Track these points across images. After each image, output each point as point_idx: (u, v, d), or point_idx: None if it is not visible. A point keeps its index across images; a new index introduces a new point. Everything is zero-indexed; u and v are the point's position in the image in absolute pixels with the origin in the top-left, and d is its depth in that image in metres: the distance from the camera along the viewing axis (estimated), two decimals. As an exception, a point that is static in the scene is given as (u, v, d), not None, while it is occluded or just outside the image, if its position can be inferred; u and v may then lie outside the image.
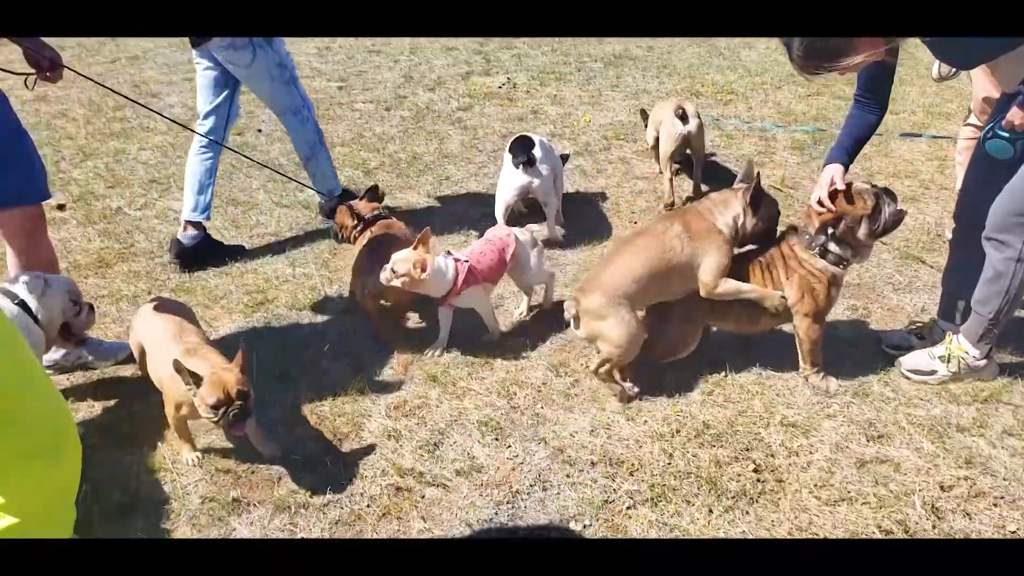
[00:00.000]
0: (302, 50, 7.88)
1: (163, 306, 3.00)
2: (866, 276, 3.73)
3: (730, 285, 2.94)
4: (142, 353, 2.91)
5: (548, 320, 3.53)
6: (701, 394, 3.03)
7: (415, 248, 3.15)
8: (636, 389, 3.03)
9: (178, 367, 2.51)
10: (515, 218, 4.24)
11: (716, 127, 5.55)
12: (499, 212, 4.07)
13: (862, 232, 2.90)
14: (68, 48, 8.06)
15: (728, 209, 3.00)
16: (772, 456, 2.73)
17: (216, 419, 2.53)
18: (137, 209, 4.73)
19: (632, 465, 2.71)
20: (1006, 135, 2.63)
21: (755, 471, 2.66)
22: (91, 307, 3.06)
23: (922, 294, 3.59)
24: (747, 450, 2.75)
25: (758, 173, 2.99)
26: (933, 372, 3.01)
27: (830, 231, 2.91)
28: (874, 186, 2.98)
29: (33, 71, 2.92)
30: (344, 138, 5.70)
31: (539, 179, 3.97)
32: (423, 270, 3.08)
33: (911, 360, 3.07)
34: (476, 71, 7.07)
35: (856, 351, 3.23)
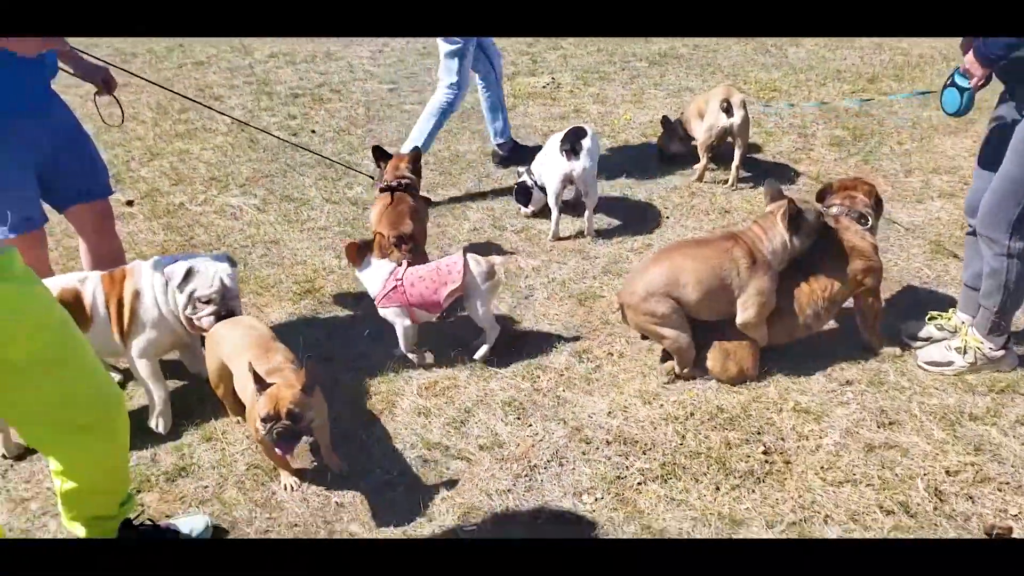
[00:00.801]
0: (356, 53, 8.17)
1: (244, 323, 2.97)
2: (894, 269, 3.77)
3: (762, 330, 3.09)
4: (222, 369, 2.89)
5: (575, 309, 3.67)
6: (716, 380, 3.13)
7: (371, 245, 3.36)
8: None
9: (255, 374, 2.49)
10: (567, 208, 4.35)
11: (762, 116, 5.61)
12: (552, 199, 4.23)
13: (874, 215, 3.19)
14: (140, 55, 8.53)
15: (774, 237, 3.06)
16: (782, 439, 2.82)
17: (263, 432, 2.49)
18: (198, 205, 5.04)
19: (645, 444, 2.84)
20: (964, 83, 2.73)
21: (764, 453, 2.76)
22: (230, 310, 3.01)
23: (949, 288, 3.62)
24: (758, 433, 2.86)
25: (789, 199, 3.06)
26: (950, 363, 3.07)
27: (864, 212, 3.08)
28: None
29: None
30: (392, 138, 5.92)
31: (583, 168, 4.10)
32: (352, 265, 3.35)
33: (927, 353, 3.13)
34: (522, 71, 7.23)
35: (887, 347, 3.28)
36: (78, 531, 2.37)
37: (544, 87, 6.78)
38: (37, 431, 2.12)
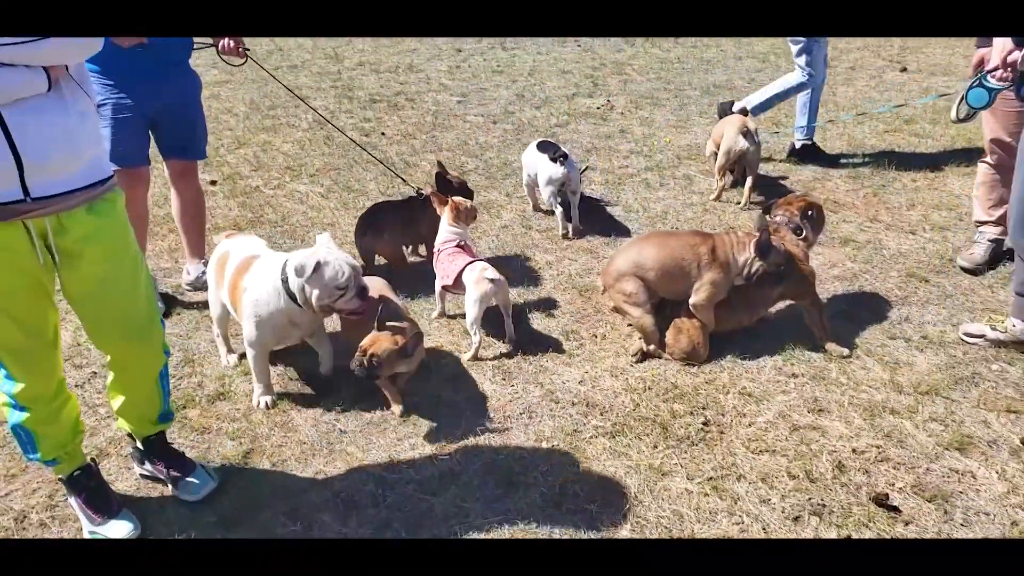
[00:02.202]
0: (435, 67, 8.90)
1: (372, 281, 3.54)
2: (868, 288, 4.14)
3: (709, 313, 3.61)
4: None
5: (575, 298, 4.18)
6: (678, 365, 3.59)
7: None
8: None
9: (380, 319, 3.24)
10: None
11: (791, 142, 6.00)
12: (547, 201, 4.91)
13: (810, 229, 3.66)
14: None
15: (743, 252, 3.57)
16: (722, 415, 3.26)
17: (354, 362, 3.21)
18: (271, 188, 5.77)
19: (603, 408, 3.33)
20: (992, 85, 3.46)
21: (704, 424, 3.21)
22: (362, 289, 3.23)
23: (914, 307, 3.97)
24: (703, 408, 3.30)
25: (767, 228, 3.57)
26: (983, 335, 3.59)
27: (809, 214, 3.54)
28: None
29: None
30: (451, 144, 6.56)
31: (572, 170, 4.81)
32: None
33: (968, 326, 3.67)
34: (582, 93, 7.79)
35: (837, 347, 3.67)
36: (126, 428, 2.96)
37: (598, 108, 7.31)
38: (104, 333, 2.66)
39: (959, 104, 4.33)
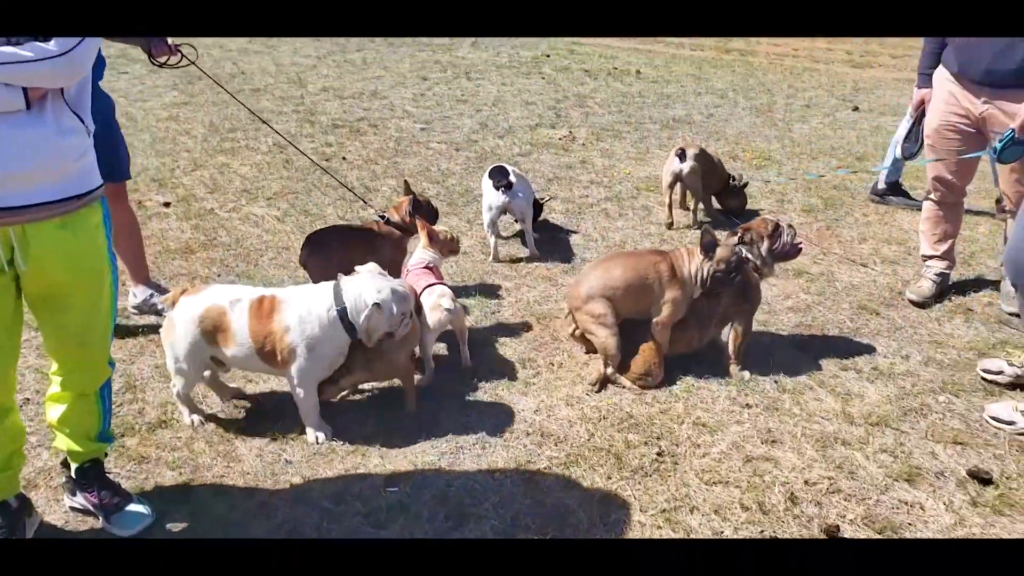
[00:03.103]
0: (400, 94, 8.90)
1: None
2: (820, 319, 4.19)
3: (667, 333, 3.68)
4: None
5: (533, 325, 4.16)
6: (634, 394, 3.58)
7: None
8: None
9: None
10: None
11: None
12: (486, 227, 4.97)
13: (764, 248, 3.65)
14: (204, 79, 9.36)
15: (693, 259, 3.67)
16: (676, 445, 3.25)
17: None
18: (227, 212, 5.68)
19: (558, 438, 3.29)
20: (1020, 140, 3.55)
21: (658, 454, 3.19)
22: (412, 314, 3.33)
23: (865, 339, 4.02)
24: (658, 438, 3.28)
25: (706, 229, 3.66)
26: (1012, 423, 3.32)
27: (747, 238, 3.67)
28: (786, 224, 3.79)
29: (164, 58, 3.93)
30: (413, 170, 6.54)
31: (515, 199, 4.85)
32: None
33: (994, 408, 3.41)
34: (544, 123, 7.85)
35: (788, 379, 3.69)
36: (63, 446, 2.84)
37: (560, 139, 7.36)
38: (58, 340, 2.61)
39: (903, 142, 4.46)
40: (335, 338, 3.15)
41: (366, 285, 3.15)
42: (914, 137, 4.46)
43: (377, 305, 3.09)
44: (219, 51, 10.99)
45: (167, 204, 5.77)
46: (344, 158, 6.82)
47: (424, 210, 4.31)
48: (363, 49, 11.30)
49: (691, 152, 5.28)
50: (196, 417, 3.42)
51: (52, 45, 2.17)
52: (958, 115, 4.04)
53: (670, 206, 5.41)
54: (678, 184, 5.43)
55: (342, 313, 3.11)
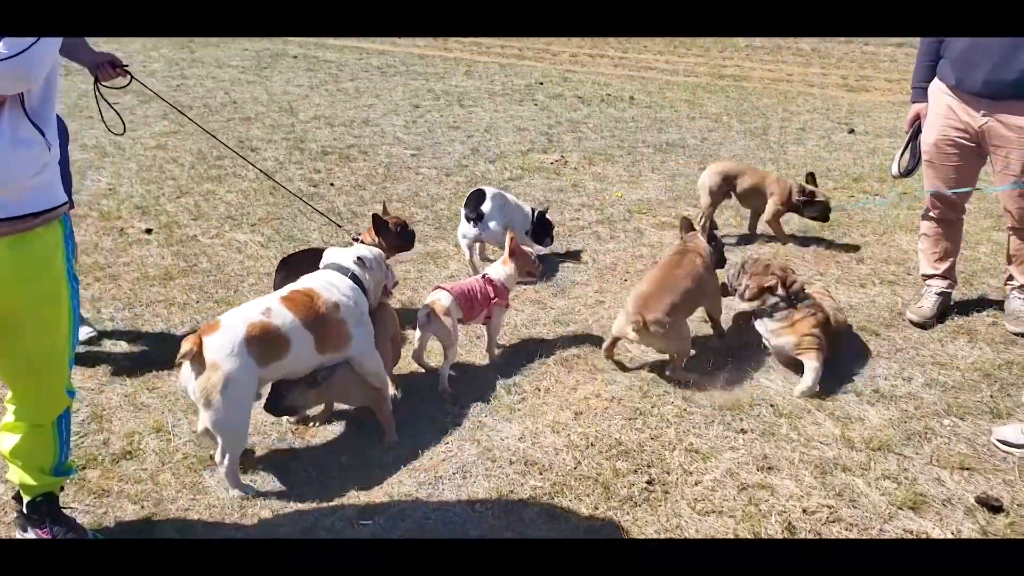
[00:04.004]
0: (391, 121, 8.83)
1: None
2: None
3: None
4: None
5: (520, 350, 4.00)
6: (624, 419, 3.41)
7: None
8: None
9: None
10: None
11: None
12: (464, 253, 5.00)
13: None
14: (195, 107, 9.33)
15: (702, 242, 4.06)
16: (668, 473, 3.07)
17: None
18: (209, 238, 5.55)
19: (543, 466, 3.12)
20: None
21: (648, 483, 3.01)
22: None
23: (864, 360, 3.86)
24: (648, 466, 3.11)
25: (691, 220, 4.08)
26: (1021, 446, 3.13)
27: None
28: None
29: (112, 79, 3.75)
30: (402, 195, 6.43)
31: (486, 230, 4.82)
32: None
33: (1002, 431, 3.22)
34: (536, 148, 7.75)
35: (785, 403, 3.52)
36: (16, 479, 2.68)
37: (552, 163, 7.26)
38: (9, 363, 2.45)
39: (900, 159, 4.33)
40: (362, 302, 3.28)
41: (343, 253, 3.39)
42: (911, 153, 4.33)
43: (360, 259, 3.33)
44: (212, 82, 10.97)
45: (149, 231, 5.65)
46: (332, 184, 6.71)
47: (391, 232, 4.07)
48: (356, 78, 11.27)
49: (710, 167, 5.38)
50: (249, 489, 3.03)
51: (1, 47, 2.02)
52: (957, 129, 3.92)
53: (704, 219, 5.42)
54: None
55: (355, 278, 3.26)
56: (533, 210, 5.09)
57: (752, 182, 5.33)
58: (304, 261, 4.02)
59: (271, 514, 2.90)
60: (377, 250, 3.53)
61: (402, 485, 3.03)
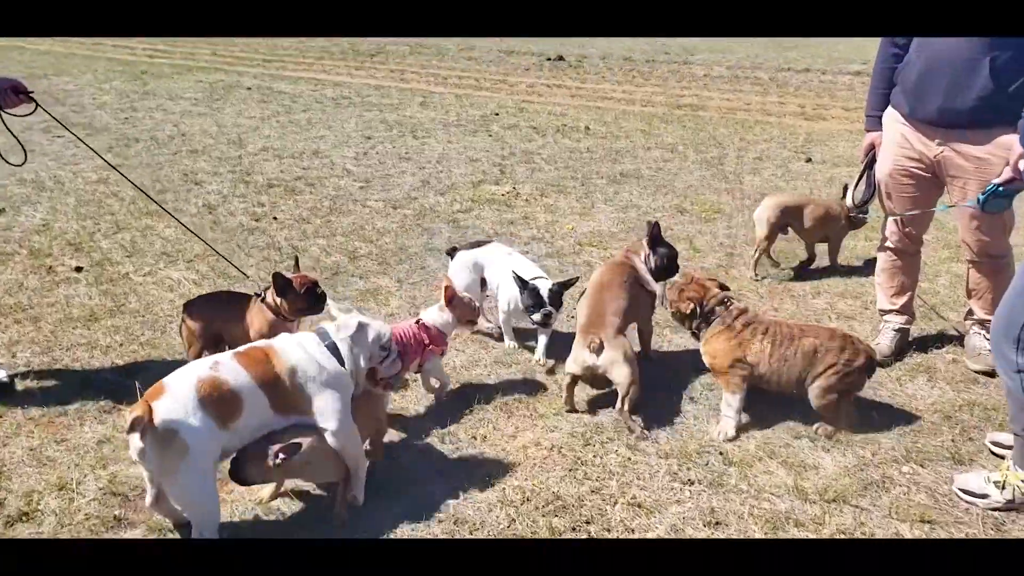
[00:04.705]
0: (342, 153, 8.62)
1: None
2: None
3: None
4: None
5: (458, 393, 3.77)
6: (564, 470, 3.19)
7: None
8: (644, 432, 3.45)
9: None
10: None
11: (697, 234, 5.81)
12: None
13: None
14: (142, 140, 9.04)
15: (640, 253, 4.01)
16: (608, 530, 2.85)
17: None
18: (142, 276, 5.27)
19: (473, 525, 2.88)
20: (1004, 192, 3.29)
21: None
22: (399, 354, 3.15)
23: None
24: (587, 523, 2.89)
25: (655, 224, 4.03)
26: (985, 496, 2.94)
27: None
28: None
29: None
30: (346, 229, 6.20)
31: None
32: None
33: (964, 479, 3.02)
34: (488, 180, 7.58)
35: (736, 450, 3.33)
36: None
37: (503, 195, 7.08)
38: None
39: (854, 189, 4.20)
40: (332, 369, 2.88)
41: (347, 317, 3.04)
42: (865, 183, 4.21)
43: (356, 327, 2.95)
44: (161, 114, 10.69)
45: (79, 268, 5.35)
46: (275, 218, 6.46)
47: (295, 292, 3.63)
48: (309, 109, 11.06)
49: (766, 201, 5.25)
50: None
51: None
52: (911, 159, 3.80)
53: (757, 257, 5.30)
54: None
55: (332, 347, 2.90)
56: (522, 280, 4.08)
57: (822, 211, 5.18)
58: (205, 307, 3.81)
59: None
60: (380, 327, 3.04)
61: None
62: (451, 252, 4.51)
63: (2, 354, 4.18)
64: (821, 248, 5.38)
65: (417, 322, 3.70)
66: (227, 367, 2.70)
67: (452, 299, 3.74)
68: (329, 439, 2.80)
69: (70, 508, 3.01)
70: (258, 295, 3.70)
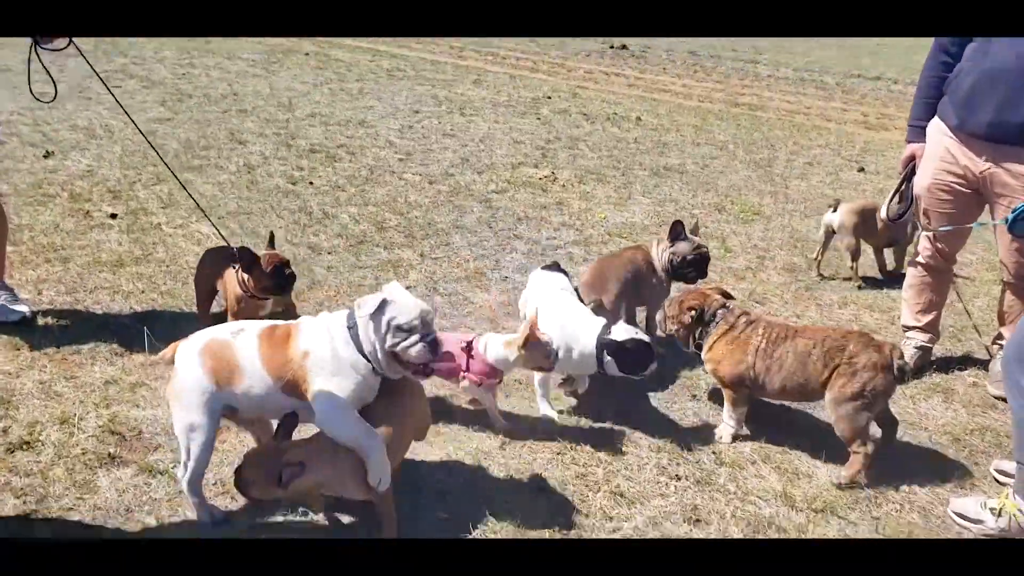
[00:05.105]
0: (388, 125, 8.66)
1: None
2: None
3: None
4: None
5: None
6: (552, 453, 3.17)
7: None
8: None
9: None
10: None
11: (732, 233, 5.70)
12: None
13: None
14: (194, 96, 9.21)
15: (660, 244, 4.05)
16: (586, 516, 2.83)
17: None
18: (173, 228, 5.38)
19: (452, 495, 2.89)
20: None
21: (560, 528, 2.77)
22: (434, 340, 2.64)
23: (824, 413, 3.58)
24: (565, 506, 2.86)
25: (677, 221, 4.00)
26: (979, 522, 2.86)
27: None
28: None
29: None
30: (379, 199, 6.23)
31: None
32: None
33: (961, 503, 2.95)
34: (528, 163, 7.54)
35: (730, 451, 3.26)
36: None
37: (541, 179, 7.04)
38: None
39: (890, 202, 4.05)
40: (345, 354, 2.61)
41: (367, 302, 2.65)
42: (902, 196, 4.04)
43: (378, 304, 2.57)
44: (218, 72, 10.86)
45: (114, 215, 5.49)
46: (311, 183, 6.52)
47: (261, 271, 3.51)
48: (362, 79, 11.12)
49: (846, 207, 5.04)
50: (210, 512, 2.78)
51: None
52: (954, 175, 3.61)
53: (818, 258, 5.24)
54: (831, 238, 5.17)
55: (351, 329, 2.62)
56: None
57: None
58: (213, 258, 3.90)
59: (154, 522, 2.72)
60: (402, 306, 2.61)
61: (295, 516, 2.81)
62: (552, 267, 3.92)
63: (29, 291, 4.31)
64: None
65: (469, 344, 3.30)
66: (244, 336, 2.67)
67: (531, 343, 3.16)
68: (326, 427, 2.59)
69: (69, 442, 3.11)
70: (234, 265, 3.59)
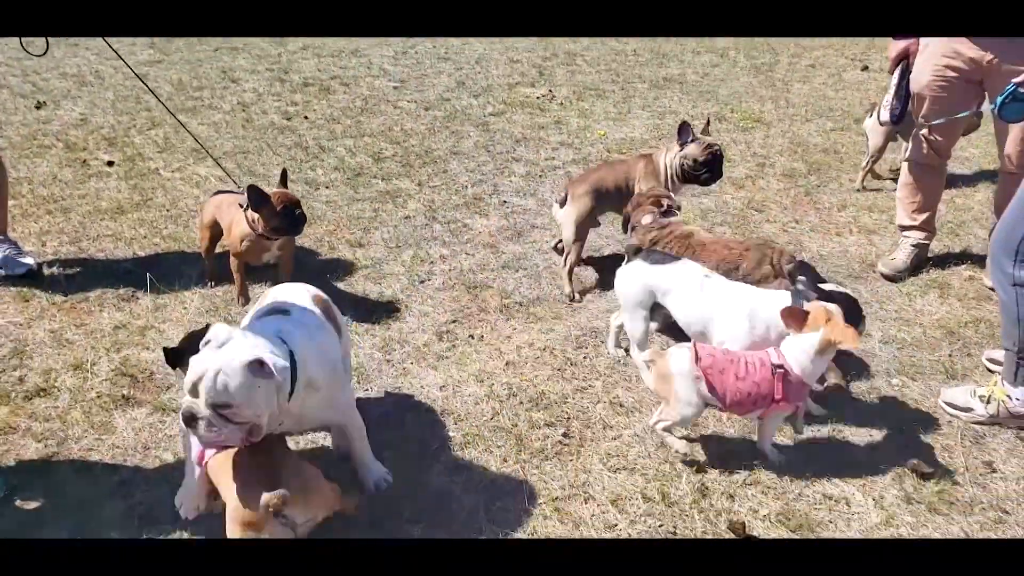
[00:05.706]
0: (381, 52, 8.53)
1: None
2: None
3: None
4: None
5: (461, 295, 3.83)
6: (553, 369, 3.25)
7: None
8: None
9: None
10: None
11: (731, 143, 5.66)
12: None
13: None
14: (184, 38, 9.08)
15: (665, 151, 3.94)
16: (588, 427, 2.92)
17: None
18: (171, 172, 5.40)
19: (459, 416, 2.98)
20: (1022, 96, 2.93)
21: (564, 435, 2.87)
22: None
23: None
24: (568, 419, 2.96)
25: (684, 123, 3.88)
26: (969, 410, 2.93)
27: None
28: None
29: None
30: (375, 130, 6.20)
31: None
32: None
33: (951, 393, 3.01)
34: (525, 82, 7.43)
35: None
36: None
37: (538, 98, 6.96)
38: None
39: (887, 104, 3.96)
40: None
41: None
42: (899, 96, 3.94)
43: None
44: (207, 10, 10.67)
45: (111, 163, 5.50)
46: (306, 117, 6.49)
47: (272, 210, 3.43)
48: (354, 8, 10.90)
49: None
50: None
51: None
52: (956, 69, 3.52)
53: (867, 168, 5.04)
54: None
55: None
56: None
57: None
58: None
59: (172, 457, 2.83)
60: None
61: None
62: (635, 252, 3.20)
63: (33, 243, 4.37)
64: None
65: (766, 356, 2.63)
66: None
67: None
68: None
69: (84, 386, 3.21)
70: (242, 205, 3.53)
